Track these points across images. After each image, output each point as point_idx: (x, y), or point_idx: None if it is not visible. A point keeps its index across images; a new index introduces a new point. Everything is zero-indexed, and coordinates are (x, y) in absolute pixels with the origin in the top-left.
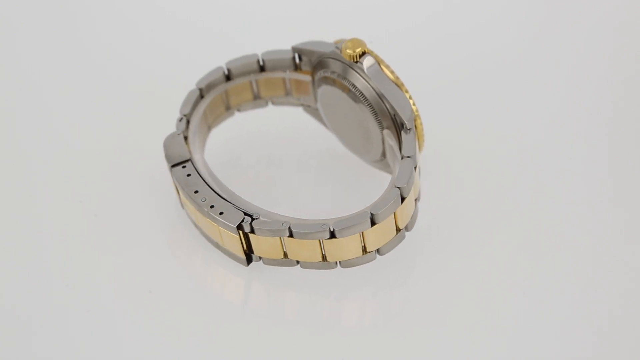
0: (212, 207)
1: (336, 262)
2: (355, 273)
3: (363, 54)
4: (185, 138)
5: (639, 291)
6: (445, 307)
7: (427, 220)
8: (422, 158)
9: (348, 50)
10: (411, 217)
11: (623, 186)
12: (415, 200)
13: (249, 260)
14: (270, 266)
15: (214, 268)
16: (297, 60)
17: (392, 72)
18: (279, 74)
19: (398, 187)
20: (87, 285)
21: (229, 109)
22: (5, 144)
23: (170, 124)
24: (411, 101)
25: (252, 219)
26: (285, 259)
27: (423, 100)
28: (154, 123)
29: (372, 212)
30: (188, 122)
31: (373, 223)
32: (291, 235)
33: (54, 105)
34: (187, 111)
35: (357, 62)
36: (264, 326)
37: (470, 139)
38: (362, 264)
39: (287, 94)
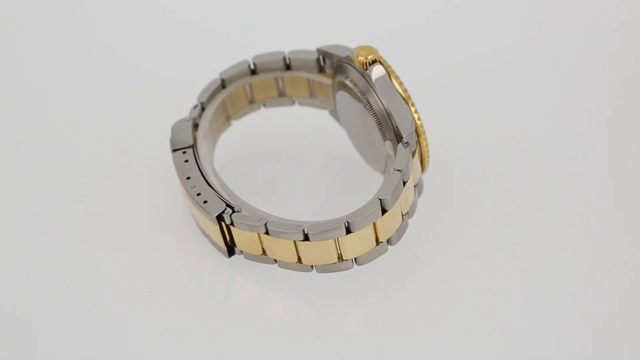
0: (198, 194)
1: (312, 266)
2: (357, 276)
3: (374, 62)
4: (196, 125)
5: (639, 291)
6: (445, 308)
7: (427, 219)
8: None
9: (360, 57)
10: (396, 231)
11: (623, 186)
12: (405, 214)
13: (230, 252)
14: (251, 261)
15: (215, 269)
16: (322, 62)
17: (400, 84)
18: (303, 74)
19: (380, 199)
20: (87, 285)
21: (252, 102)
22: (5, 144)
23: (169, 123)
24: (416, 115)
25: (233, 211)
26: (264, 256)
27: (422, 100)
28: (153, 123)
29: (348, 220)
30: (203, 109)
31: (349, 231)
32: (267, 233)
33: (54, 105)
34: (203, 99)
35: (366, 69)
36: (264, 326)
37: (469, 138)
38: (338, 271)
39: (311, 96)
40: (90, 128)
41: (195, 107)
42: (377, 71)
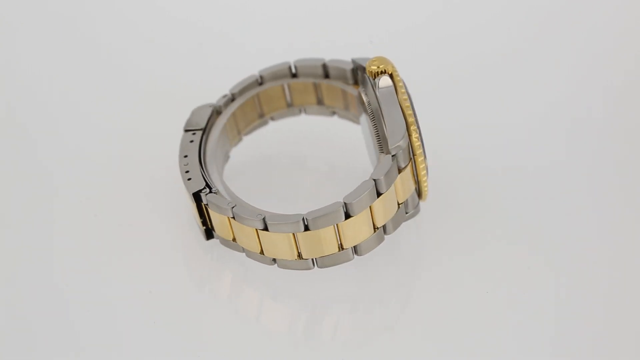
0: (187, 172)
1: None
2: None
3: (383, 72)
4: (219, 113)
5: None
6: (445, 309)
7: (426, 221)
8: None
9: (372, 67)
10: (392, 219)
11: (630, 191)
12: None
13: (208, 235)
14: (226, 247)
15: (216, 269)
16: (357, 74)
17: (405, 99)
18: (339, 84)
19: (374, 180)
20: (87, 285)
21: (290, 106)
22: (5, 144)
23: (171, 125)
24: (415, 135)
25: (210, 192)
26: (235, 243)
27: (422, 100)
28: (154, 124)
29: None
30: (233, 100)
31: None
32: (234, 218)
33: (55, 106)
34: (235, 90)
35: (374, 79)
36: (263, 332)
37: (469, 138)
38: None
39: (345, 108)
40: (91, 129)
41: (225, 96)
42: (382, 82)
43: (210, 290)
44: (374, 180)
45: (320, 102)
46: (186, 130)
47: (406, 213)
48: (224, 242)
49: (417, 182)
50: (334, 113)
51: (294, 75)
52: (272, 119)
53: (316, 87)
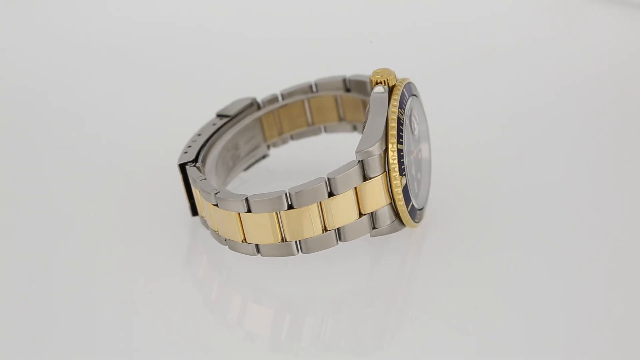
0: (189, 147)
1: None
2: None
3: (381, 83)
4: (259, 107)
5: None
6: (445, 308)
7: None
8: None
9: (375, 76)
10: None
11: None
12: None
13: (193, 211)
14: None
15: (217, 270)
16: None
17: (394, 112)
18: (359, 96)
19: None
20: (87, 285)
21: (341, 120)
22: (5, 145)
23: (172, 129)
24: (392, 149)
25: (193, 165)
26: (218, 234)
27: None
28: (155, 126)
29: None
30: (278, 99)
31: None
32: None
33: (57, 106)
34: (285, 92)
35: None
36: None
37: (468, 138)
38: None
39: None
40: (94, 130)
41: (274, 95)
42: (376, 89)
43: (210, 291)
44: (328, 179)
45: (341, 118)
46: (217, 115)
47: (374, 228)
48: (202, 220)
49: (393, 200)
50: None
51: (348, 90)
52: (326, 130)
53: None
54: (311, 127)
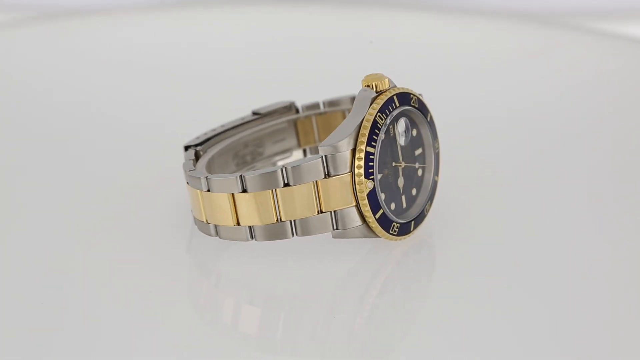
0: (205, 134)
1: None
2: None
3: (370, 86)
4: (297, 111)
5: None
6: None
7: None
8: None
9: (364, 81)
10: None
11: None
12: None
13: None
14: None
15: (218, 270)
16: None
17: (372, 114)
18: None
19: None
20: (87, 284)
21: None
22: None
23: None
24: (360, 149)
25: (194, 147)
26: (207, 224)
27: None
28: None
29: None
30: (320, 107)
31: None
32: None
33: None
34: (327, 101)
35: None
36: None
37: (469, 138)
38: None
39: None
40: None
41: (315, 102)
42: (361, 91)
43: (212, 291)
44: (284, 167)
45: None
46: (252, 112)
47: (335, 229)
48: (198, 224)
49: (357, 203)
50: None
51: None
52: None
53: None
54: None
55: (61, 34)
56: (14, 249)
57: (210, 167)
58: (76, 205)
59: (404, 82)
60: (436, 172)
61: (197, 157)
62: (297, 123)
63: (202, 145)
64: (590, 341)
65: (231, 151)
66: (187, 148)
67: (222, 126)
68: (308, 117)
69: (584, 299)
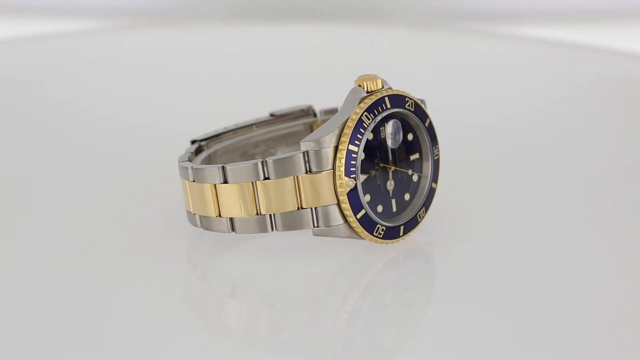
0: (215, 130)
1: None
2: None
3: (361, 86)
4: (315, 115)
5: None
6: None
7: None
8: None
9: (356, 80)
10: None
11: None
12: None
13: None
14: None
15: (218, 271)
16: None
17: (358, 113)
18: None
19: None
20: (86, 285)
21: None
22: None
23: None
24: (341, 153)
25: (199, 142)
26: (194, 215)
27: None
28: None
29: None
30: (337, 111)
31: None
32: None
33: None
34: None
35: None
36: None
37: (468, 138)
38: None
39: None
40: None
41: (334, 108)
42: (356, 88)
43: (211, 291)
44: (264, 161)
45: None
46: (270, 114)
47: (316, 226)
48: (187, 215)
49: (338, 201)
50: None
51: None
52: None
53: None
54: None
55: (70, 39)
56: (14, 249)
57: (209, 162)
58: (76, 205)
59: (419, 93)
60: (434, 179)
61: (200, 151)
62: (314, 127)
63: (207, 141)
64: (590, 341)
65: (239, 149)
66: (193, 142)
67: (236, 125)
68: (324, 122)
69: (584, 299)
